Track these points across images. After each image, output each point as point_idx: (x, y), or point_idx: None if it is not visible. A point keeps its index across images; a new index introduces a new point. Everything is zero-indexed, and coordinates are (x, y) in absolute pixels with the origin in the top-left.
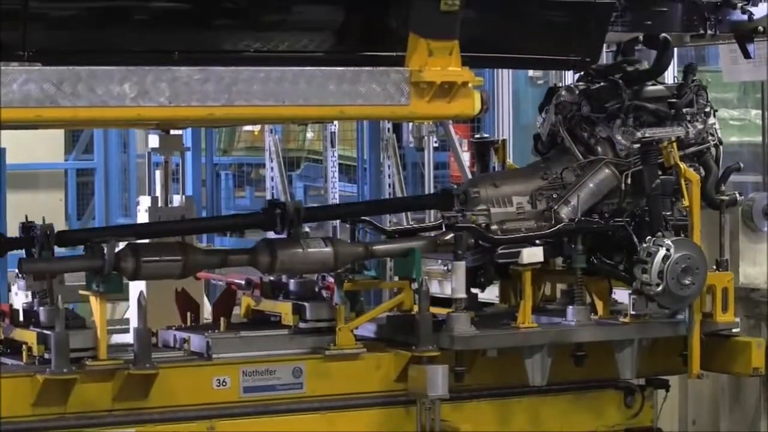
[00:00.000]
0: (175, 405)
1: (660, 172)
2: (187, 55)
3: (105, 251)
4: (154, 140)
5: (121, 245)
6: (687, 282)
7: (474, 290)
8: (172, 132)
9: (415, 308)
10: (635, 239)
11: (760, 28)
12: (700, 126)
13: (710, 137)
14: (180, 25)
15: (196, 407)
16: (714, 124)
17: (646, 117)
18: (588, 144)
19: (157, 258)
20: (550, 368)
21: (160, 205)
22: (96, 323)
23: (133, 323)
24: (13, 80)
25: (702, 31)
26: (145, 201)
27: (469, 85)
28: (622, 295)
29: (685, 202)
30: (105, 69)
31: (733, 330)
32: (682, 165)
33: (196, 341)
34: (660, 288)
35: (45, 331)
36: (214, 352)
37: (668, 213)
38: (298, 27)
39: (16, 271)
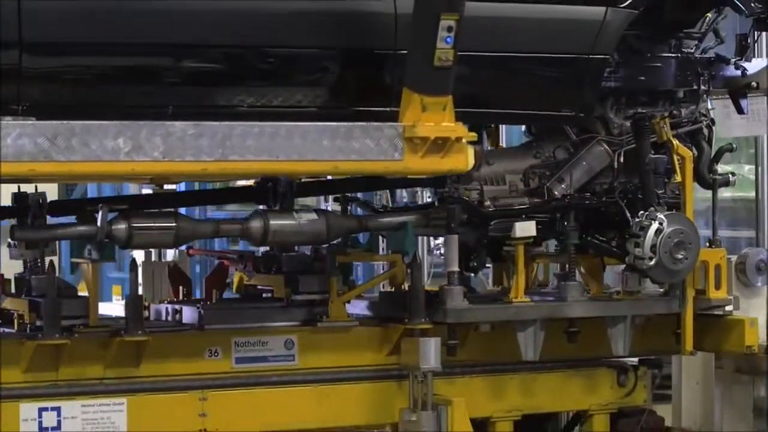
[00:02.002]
0: (166, 375)
1: (653, 152)
2: (181, 110)
3: (98, 219)
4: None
5: None
6: (680, 256)
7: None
8: (165, 187)
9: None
10: (628, 214)
11: (754, 84)
12: (692, 106)
13: (703, 118)
14: (174, 80)
15: (188, 378)
16: (706, 105)
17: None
18: None
19: (150, 226)
20: (542, 344)
21: (153, 259)
22: (88, 291)
23: None
24: (7, 134)
25: (695, 87)
26: (138, 256)
27: (463, 140)
28: (611, 280)
29: (678, 179)
30: (99, 124)
31: (726, 308)
32: (675, 141)
33: (189, 313)
34: (653, 262)
35: (37, 299)
36: (206, 323)
37: (661, 192)
38: (292, 82)
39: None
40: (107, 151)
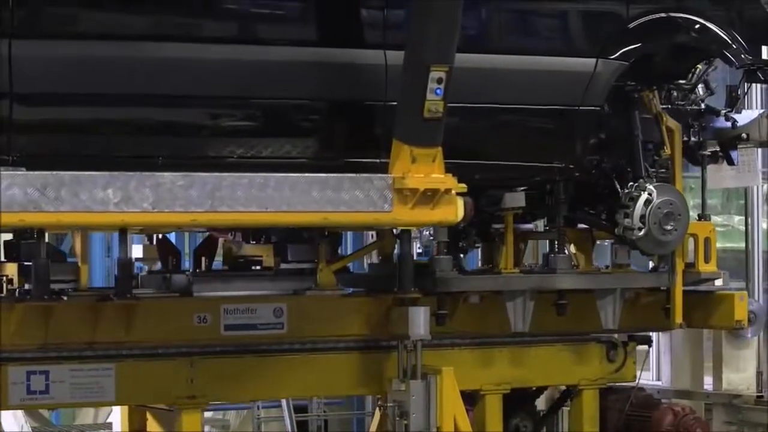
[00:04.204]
0: (155, 340)
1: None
2: (171, 161)
3: None
4: (138, 250)
5: None
6: (669, 227)
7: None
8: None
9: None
10: (617, 186)
11: (744, 136)
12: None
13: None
14: (164, 131)
15: (177, 344)
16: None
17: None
18: None
19: None
20: (532, 316)
21: None
22: (77, 255)
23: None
24: None
25: (686, 138)
26: None
27: (452, 191)
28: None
29: (667, 151)
30: (88, 174)
31: (716, 282)
32: (664, 114)
33: (178, 280)
34: (642, 232)
35: (26, 263)
36: (195, 290)
37: (651, 169)
38: (282, 133)
39: None
40: (97, 202)
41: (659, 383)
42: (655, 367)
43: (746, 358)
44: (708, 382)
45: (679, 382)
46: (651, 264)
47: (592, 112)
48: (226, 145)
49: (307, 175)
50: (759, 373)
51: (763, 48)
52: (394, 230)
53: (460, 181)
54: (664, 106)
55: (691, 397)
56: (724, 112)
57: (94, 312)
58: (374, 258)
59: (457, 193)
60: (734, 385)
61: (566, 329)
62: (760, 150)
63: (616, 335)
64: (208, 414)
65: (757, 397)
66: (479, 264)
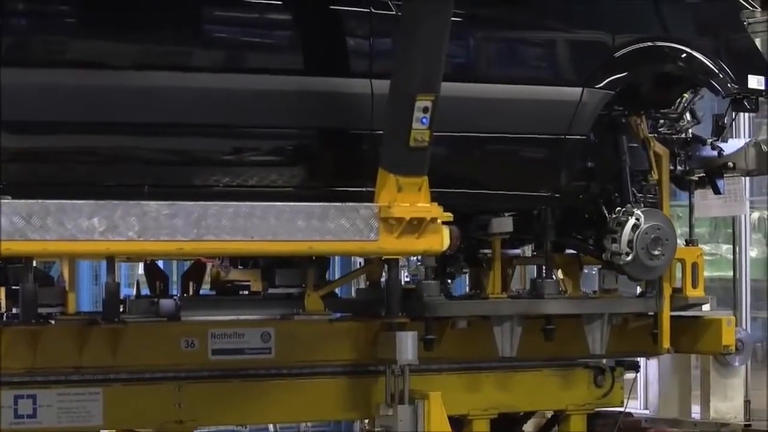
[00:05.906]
0: (142, 364)
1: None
2: (157, 190)
3: None
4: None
5: None
6: (656, 252)
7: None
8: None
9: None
10: (605, 211)
11: (730, 165)
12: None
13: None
14: (150, 159)
15: (164, 368)
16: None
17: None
18: None
19: None
20: (519, 341)
21: None
22: (65, 282)
23: None
24: None
25: (672, 167)
26: None
27: (438, 221)
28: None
29: (655, 176)
30: (73, 203)
31: (703, 307)
32: (651, 139)
33: (165, 305)
34: (629, 257)
35: (14, 287)
36: (183, 314)
37: (639, 195)
38: (268, 162)
39: None
40: (82, 231)
41: (646, 412)
42: (642, 396)
43: (734, 387)
44: (696, 411)
45: (666, 411)
46: (639, 289)
47: (579, 141)
48: (212, 174)
49: (292, 204)
50: (747, 402)
51: (750, 77)
52: None
53: (446, 210)
54: (650, 135)
55: (678, 425)
56: (710, 140)
57: (81, 336)
58: (362, 283)
59: (443, 222)
60: (722, 413)
61: (554, 354)
62: (746, 179)
63: (603, 360)
64: None
65: (745, 425)
66: (467, 289)
